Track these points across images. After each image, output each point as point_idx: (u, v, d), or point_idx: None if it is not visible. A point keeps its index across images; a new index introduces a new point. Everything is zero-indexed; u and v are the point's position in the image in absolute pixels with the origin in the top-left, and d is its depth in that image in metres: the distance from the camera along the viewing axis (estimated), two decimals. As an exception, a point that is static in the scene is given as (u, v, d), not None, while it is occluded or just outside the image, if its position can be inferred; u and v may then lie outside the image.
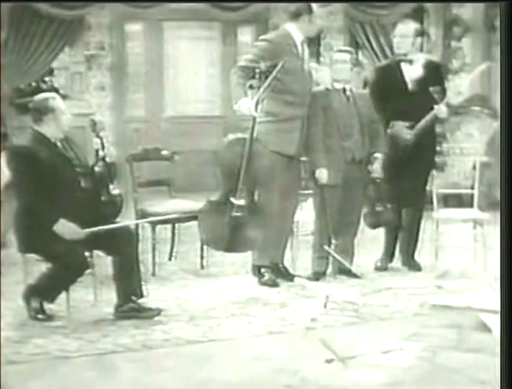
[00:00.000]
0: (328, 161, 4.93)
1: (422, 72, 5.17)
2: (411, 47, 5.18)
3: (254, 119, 4.67)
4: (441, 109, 5.11)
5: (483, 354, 3.74)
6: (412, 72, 5.16)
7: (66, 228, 4.14)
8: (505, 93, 3.94)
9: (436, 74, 5.25)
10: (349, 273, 5.10)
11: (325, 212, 4.99)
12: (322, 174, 4.94)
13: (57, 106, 4.27)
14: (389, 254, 5.33)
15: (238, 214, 4.74)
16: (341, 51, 5.23)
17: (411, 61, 5.17)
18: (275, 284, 4.92)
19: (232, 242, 4.81)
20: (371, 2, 7.75)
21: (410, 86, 5.15)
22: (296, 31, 4.86)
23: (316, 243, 5.11)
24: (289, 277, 4.99)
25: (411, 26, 5.23)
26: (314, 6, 4.85)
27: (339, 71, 5.03)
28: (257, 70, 4.66)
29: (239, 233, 4.78)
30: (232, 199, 4.74)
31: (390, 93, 5.07)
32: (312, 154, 4.97)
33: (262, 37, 5.00)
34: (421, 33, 5.47)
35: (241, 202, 4.74)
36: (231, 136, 4.88)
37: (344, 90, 5.04)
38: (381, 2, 7.73)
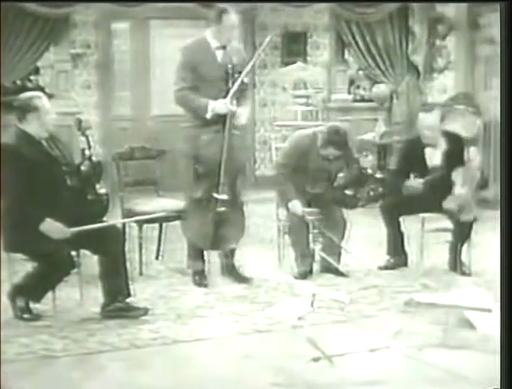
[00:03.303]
0: (297, 193, 5.02)
1: (442, 159, 5.13)
2: (437, 134, 5.16)
3: (231, 113, 4.71)
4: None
5: (468, 351, 3.78)
6: (434, 158, 5.15)
7: (52, 227, 4.13)
8: (505, 93, 3.96)
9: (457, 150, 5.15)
10: (336, 272, 5.12)
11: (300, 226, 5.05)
12: (296, 207, 4.99)
13: (42, 105, 4.25)
14: (392, 253, 5.30)
15: (222, 209, 4.78)
16: (334, 145, 4.91)
17: (434, 145, 5.17)
18: (203, 285, 4.89)
19: (216, 239, 4.85)
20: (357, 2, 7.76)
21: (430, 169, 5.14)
22: (211, 37, 4.86)
23: (295, 242, 5.12)
24: (239, 277, 4.99)
25: (435, 115, 5.16)
26: (228, 16, 4.77)
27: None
28: (229, 70, 4.72)
29: (223, 229, 4.84)
30: (215, 195, 4.78)
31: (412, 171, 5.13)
32: (281, 190, 5.10)
33: (180, 47, 4.99)
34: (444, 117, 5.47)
35: (224, 196, 4.79)
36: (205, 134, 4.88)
37: None
38: (367, 2, 7.75)
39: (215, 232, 4.83)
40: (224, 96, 4.73)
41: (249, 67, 4.78)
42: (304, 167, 5.04)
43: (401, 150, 5.66)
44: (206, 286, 4.88)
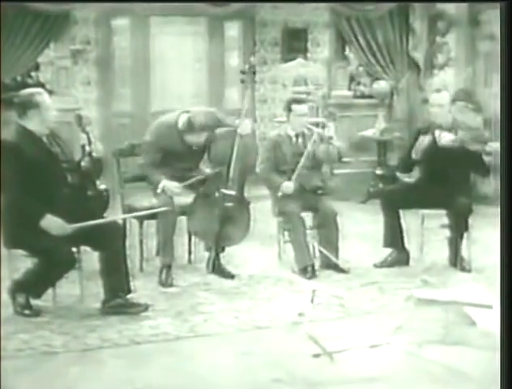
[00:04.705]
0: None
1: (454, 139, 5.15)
2: (448, 115, 5.24)
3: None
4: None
5: (468, 347, 3.78)
6: (444, 139, 5.15)
7: (52, 223, 4.13)
8: (505, 93, 3.97)
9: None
10: (336, 268, 5.13)
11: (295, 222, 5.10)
12: (288, 186, 5.10)
13: (43, 102, 4.25)
14: (389, 245, 5.29)
15: (230, 204, 4.83)
16: (299, 102, 5.29)
17: (445, 128, 5.19)
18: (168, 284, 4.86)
19: (221, 235, 4.89)
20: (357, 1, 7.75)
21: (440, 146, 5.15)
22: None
23: (294, 240, 5.12)
24: (224, 273, 5.00)
25: (445, 95, 5.35)
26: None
27: (296, 124, 5.24)
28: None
29: (228, 226, 4.88)
30: (223, 190, 4.84)
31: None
32: (269, 182, 5.26)
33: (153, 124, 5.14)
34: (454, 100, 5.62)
35: (233, 192, 4.85)
36: (220, 129, 4.94)
37: (297, 136, 5.26)
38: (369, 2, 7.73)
39: (220, 227, 4.87)
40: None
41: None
42: (283, 159, 5.21)
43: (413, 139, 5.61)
44: (171, 285, 4.82)
